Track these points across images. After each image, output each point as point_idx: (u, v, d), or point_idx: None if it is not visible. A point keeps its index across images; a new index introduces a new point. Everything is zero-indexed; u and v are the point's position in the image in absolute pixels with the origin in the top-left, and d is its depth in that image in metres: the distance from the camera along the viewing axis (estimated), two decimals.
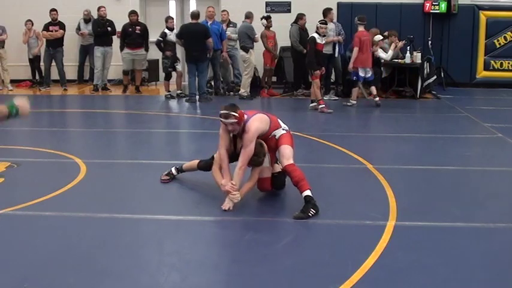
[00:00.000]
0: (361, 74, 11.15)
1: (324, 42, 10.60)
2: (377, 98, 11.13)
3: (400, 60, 12.41)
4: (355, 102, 11.14)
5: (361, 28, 11.24)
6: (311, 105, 10.70)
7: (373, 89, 11.30)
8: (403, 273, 3.91)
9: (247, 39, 12.09)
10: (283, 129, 5.45)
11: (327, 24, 10.64)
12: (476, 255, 4.23)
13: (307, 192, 5.01)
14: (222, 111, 5.22)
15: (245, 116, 5.27)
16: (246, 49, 12.12)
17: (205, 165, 5.73)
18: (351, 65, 11.20)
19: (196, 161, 5.91)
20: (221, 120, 5.24)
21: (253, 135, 5.16)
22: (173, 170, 6.04)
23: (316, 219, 4.95)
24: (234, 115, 5.16)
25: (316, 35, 10.49)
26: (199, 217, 5.06)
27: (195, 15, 11.72)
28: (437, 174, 6.48)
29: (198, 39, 11.44)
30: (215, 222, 4.99)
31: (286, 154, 5.21)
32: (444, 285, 3.76)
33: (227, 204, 5.08)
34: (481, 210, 5.30)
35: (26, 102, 3.34)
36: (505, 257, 4.21)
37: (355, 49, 11.06)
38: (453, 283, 3.79)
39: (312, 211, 4.92)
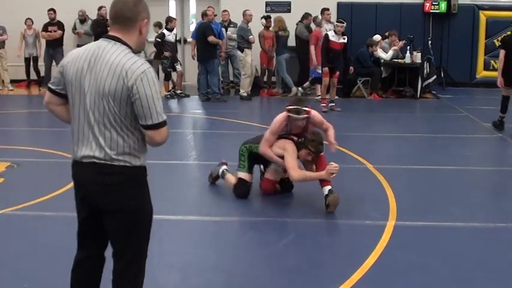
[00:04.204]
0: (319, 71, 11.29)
1: (340, 41, 10.51)
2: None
3: (400, 60, 12.42)
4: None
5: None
6: (330, 105, 10.73)
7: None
8: (403, 273, 3.91)
9: (241, 39, 12.11)
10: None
11: (344, 23, 10.59)
12: (476, 255, 4.23)
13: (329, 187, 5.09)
14: (293, 107, 5.08)
15: None
16: (241, 49, 12.15)
17: (243, 193, 5.39)
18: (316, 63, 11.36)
19: (233, 182, 5.46)
20: (293, 117, 5.09)
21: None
22: (220, 171, 5.63)
23: (316, 219, 4.95)
24: (305, 110, 5.11)
25: (330, 33, 10.50)
26: (199, 217, 5.06)
27: (202, 15, 11.83)
28: (437, 174, 6.48)
29: (200, 39, 11.50)
30: (215, 222, 4.99)
31: None
32: (444, 285, 3.76)
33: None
34: (481, 210, 5.30)
35: None
36: (505, 257, 4.21)
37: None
38: (453, 283, 3.79)
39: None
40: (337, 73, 10.65)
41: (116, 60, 2.54)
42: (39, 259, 4.10)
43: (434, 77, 12.97)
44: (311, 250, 4.35)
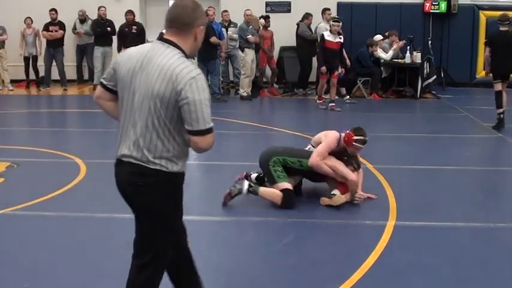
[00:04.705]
0: None
1: (336, 40, 10.54)
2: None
3: (400, 60, 12.42)
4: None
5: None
6: (330, 105, 10.77)
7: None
8: (403, 273, 3.91)
9: (241, 39, 12.13)
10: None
11: (339, 23, 10.61)
12: (476, 255, 4.23)
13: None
14: (361, 138, 5.29)
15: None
16: (241, 49, 12.18)
17: (293, 203, 5.24)
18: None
19: (278, 194, 5.21)
20: (358, 146, 5.30)
21: None
22: (245, 188, 5.25)
23: (316, 219, 4.95)
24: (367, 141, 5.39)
25: (326, 33, 10.54)
26: (200, 217, 5.06)
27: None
28: (437, 174, 6.48)
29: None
30: (215, 222, 4.99)
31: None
32: (444, 285, 3.76)
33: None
34: (481, 210, 5.30)
35: None
36: (505, 257, 4.21)
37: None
38: (453, 283, 3.79)
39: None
40: (336, 73, 10.67)
41: (167, 64, 2.57)
42: (39, 259, 4.09)
43: (434, 77, 12.97)
44: (311, 250, 4.35)
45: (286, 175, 5.24)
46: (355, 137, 5.27)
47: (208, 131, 2.60)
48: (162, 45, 2.65)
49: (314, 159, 5.22)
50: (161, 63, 2.57)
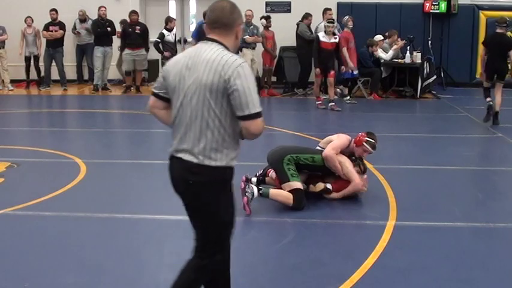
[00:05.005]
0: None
1: (331, 41, 10.62)
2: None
3: (400, 60, 12.42)
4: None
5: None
6: (330, 104, 10.82)
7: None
8: (403, 273, 3.91)
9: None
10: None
11: (334, 23, 10.73)
12: (476, 255, 4.23)
13: None
14: (373, 142, 5.50)
15: None
16: (239, 49, 12.20)
17: (304, 204, 5.19)
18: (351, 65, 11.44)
19: (289, 195, 5.15)
20: (368, 149, 5.50)
21: None
22: (255, 192, 5.12)
23: (316, 219, 4.95)
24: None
25: (321, 34, 10.64)
26: None
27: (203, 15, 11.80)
28: (437, 174, 6.48)
29: (200, 39, 11.45)
30: None
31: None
32: (444, 285, 3.76)
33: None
34: (481, 210, 5.30)
35: None
36: (505, 257, 4.21)
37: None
38: (453, 283, 3.79)
39: None
40: (332, 72, 10.75)
41: (212, 57, 2.70)
42: (39, 259, 4.09)
43: (434, 77, 12.97)
44: (311, 250, 4.35)
45: (298, 174, 5.27)
46: (367, 138, 5.45)
47: (258, 115, 2.68)
48: (206, 43, 2.81)
49: (329, 151, 5.33)
50: (207, 57, 2.71)
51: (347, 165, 5.35)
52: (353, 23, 11.62)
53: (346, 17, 11.86)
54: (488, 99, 9.23)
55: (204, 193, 2.76)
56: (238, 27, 2.86)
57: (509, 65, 9.66)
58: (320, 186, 5.37)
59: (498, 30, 9.24)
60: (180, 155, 2.79)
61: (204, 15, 11.69)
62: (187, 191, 2.81)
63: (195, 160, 2.72)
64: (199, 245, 2.90)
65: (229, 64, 2.65)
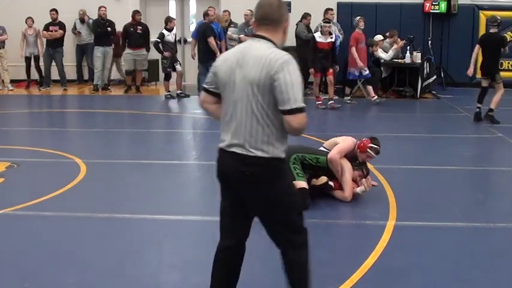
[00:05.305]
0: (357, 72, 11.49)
1: (327, 40, 10.66)
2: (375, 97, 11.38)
3: (400, 60, 12.41)
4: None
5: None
6: (329, 103, 10.88)
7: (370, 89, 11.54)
8: (403, 273, 3.91)
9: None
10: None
11: (329, 23, 10.79)
12: (476, 255, 4.23)
13: None
14: (377, 148, 5.51)
15: None
16: None
17: (309, 203, 5.14)
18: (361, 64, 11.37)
19: None
20: (372, 154, 5.51)
21: None
22: None
23: (316, 219, 4.94)
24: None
25: (317, 34, 10.71)
26: (199, 217, 5.06)
27: (204, 15, 11.81)
28: (437, 174, 6.48)
29: (200, 39, 11.49)
30: (215, 222, 4.95)
31: None
32: (444, 285, 3.76)
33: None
34: (481, 210, 5.30)
35: None
36: (505, 257, 4.21)
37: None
38: (453, 283, 3.79)
39: None
40: (331, 70, 10.81)
41: (260, 53, 2.80)
42: (39, 259, 4.09)
43: (434, 77, 12.96)
44: (311, 250, 4.33)
45: (304, 174, 5.28)
46: (371, 145, 5.49)
47: (300, 110, 2.74)
48: (255, 40, 2.89)
49: (334, 155, 5.36)
50: (255, 54, 2.81)
51: (346, 174, 5.37)
52: (364, 23, 11.53)
53: (358, 17, 11.74)
54: (478, 104, 9.47)
55: (262, 183, 2.83)
56: (285, 22, 2.93)
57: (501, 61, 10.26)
58: (323, 179, 5.39)
59: (491, 30, 9.56)
60: (232, 149, 2.86)
61: (204, 15, 11.70)
62: (243, 182, 2.86)
63: (248, 153, 2.80)
64: (279, 238, 3.01)
65: (275, 60, 2.73)
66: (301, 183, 5.14)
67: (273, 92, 2.74)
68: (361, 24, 11.58)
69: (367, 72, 11.47)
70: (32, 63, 13.49)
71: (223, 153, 2.92)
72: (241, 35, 11.93)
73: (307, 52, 10.89)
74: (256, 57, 2.78)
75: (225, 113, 2.91)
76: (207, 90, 3.04)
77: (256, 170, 2.80)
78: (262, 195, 2.86)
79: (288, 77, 2.71)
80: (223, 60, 2.93)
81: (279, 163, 2.87)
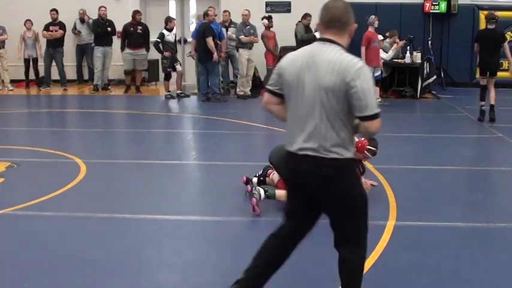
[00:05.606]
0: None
1: None
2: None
3: (400, 60, 12.42)
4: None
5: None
6: None
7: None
8: (403, 273, 3.91)
9: (237, 39, 12.22)
10: None
11: None
12: (476, 255, 4.23)
13: None
14: (374, 150, 5.43)
15: None
16: (236, 49, 12.25)
17: None
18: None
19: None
20: (368, 156, 5.45)
21: None
22: (262, 193, 5.08)
23: None
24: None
25: (317, 34, 10.62)
26: (199, 217, 5.06)
27: (203, 15, 11.80)
28: (437, 174, 6.48)
29: (200, 39, 11.49)
30: (215, 222, 4.99)
31: None
32: (444, 285, 3.76)
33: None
34: (481, 210, 5.30)
35: None
36: (505, 257, 4.21)
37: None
38: (453, 283, 3.79)
39: None
40: None
41: (333, 59, 2.83)
42: (39, 259, 4.09)
43: (434, 77, 12.96)
44: (311, 250, 4.34)
45: None
46: (368, 147, 5.45)
47: (376, 115, 2.84)
48: (324, 44, 2.91)
49: None
50: (327, 59, 2.83)
51: None
52: (378, 22, 11.31)
53: (372, 16, 11.61)
54: (482, 102, 9.49)
55: (338, 183, 2.92)
56: (352, 25, 2.96)
57: (501, 61, 10.05)
58: None
59: (489, 26, 9.58)
60: (305, 152, 2.91)
61: (204, 15, 11.69)
62: (319, 183, 2.93)
63: (324, 155, 2.87)
64: (342, 239, 3.15)
65: (350, 67, 2.77)
66: None
67: (348, 98, 2.79)
68: (376, 24, 11.40)
69: (379, 73, 11.21)
70: (31, 65, 13.49)
71: (293, 157, 2.97)
72: (241, 36, 11.95)
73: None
74: (328, 62, 2.81)
75: (292, 115, 2.95)
76: (270, 92, 3.06)
77: (332, 172, 2.89)
78: (337, 194, 2.97)
79: (365, 84, 2.77)
80: (290, 62, 2.95)
81: (351, 163, 2.99)
